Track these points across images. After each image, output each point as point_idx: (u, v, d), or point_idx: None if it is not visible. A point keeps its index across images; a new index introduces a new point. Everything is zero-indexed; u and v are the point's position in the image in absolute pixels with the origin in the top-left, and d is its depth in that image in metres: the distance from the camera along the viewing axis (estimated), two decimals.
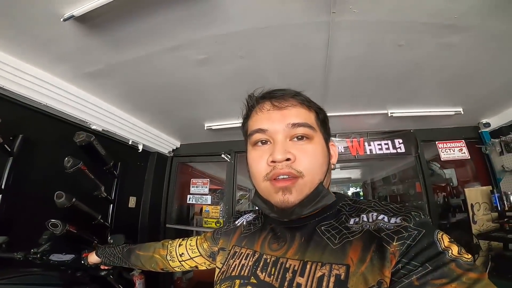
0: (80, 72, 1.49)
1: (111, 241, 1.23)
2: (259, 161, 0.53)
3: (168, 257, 0.87)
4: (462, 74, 1.55)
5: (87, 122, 1.78)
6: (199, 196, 2.79)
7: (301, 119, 0.53)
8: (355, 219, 0.49)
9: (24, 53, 1.29)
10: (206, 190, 2.79)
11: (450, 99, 1.93)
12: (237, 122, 2.24)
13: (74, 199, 1.48)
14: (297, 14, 1.09)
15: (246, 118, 0.61)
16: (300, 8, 1.05)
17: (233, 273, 0.55)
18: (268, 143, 0.54)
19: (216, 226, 2.64)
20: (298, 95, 0.57)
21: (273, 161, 0.50)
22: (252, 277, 0.51)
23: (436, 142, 2.35)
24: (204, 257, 0.81)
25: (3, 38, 1.18)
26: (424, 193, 2.28)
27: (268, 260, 0.52)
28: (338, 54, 1.35)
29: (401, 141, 2.44)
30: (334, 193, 0.56)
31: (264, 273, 0.50)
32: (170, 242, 0.92)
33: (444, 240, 0.40)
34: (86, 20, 1.06)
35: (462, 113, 2.01)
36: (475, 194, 2.20)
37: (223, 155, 2.70)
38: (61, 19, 1.01)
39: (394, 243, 0.40)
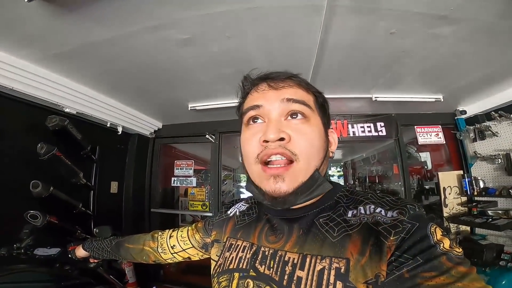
0: (49, 54, 1.35)
1: (97, 232, 1.19)
2: (251, 139, 0.51)
3: (160, 250, 0.86)
4: (446, 64, 1.58)
5: (59, 105, 1.64)
6: (184, 178, 2.76)
7: (298, 96, 0.51)
8: (353, 211, 0.49)
9: None
10: (191, 172, 2.76)
11: (432, 86, 1.98)
12: (222, 103, 2.18)
13: (51, 188, 1.42)
14: None
15: (242, 100, 0.59)
16: None
17: (231, 266, 0.54)
18: (262, 121, 0.52)
19: (203, 208, 2.66)
20: (295, 77, 0.55)
21: (265, 141, 0.48)
22: (251, 270, 0.50)
23: (415, 126, 2.44)
24: (196, 249, 0.80)
25: None
26: (401, 175, 2.41)
27: (267, 253, 0.51)
28: (330, 38, 1.31)
29: (382, 124, 2.51)
30: (330, 182, 0.54)
31: (263, 266, 0.49)
32: (160, 233, 0.89)
33: (437, 233, 0.40)
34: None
35: (442, 100, 2.08)
36: (447, 178, 2.29)
37: (207, 136, 2.64)
38: (25, 0, 0.89)
39: (391, 238, 0.41)
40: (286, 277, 0.45)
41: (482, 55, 1.47)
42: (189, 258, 0.84)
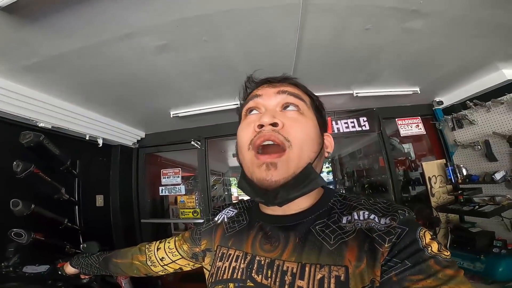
0: (17, 66, 1.29)
1: (84, 247, 1.14)
2: (246, 128, 0.52)
3: (149, 263, 0.82)
4: (421, 57, 1.63)
5: (32, 120, 1.57)
6: (172, 186, 2.70)
7: (294, 91, 0.54)
8: (347, 217, 0.49)
9: None
10: (179, 180, 2.70)
11: (409, 80, 2.05)
12: (205, 108, 2.17)
13: (33, 206, 1.36)
14: None
15: (244, 102, 0.61)
16: None
17: (225, 276, 0.52)
18: (258, 112, 0.54)
19: (194, 216, 2.61)
20: (294, 79, 0.59)
21: (260, 125, 0.48)
22: (248, 280, 0.49)
23: (396, 119, 2.51)
24: (186, 259, 0.77)
25: None
26: (387, 167, 2.47)
27: (263, 262, 0.49)
28: (307, 37, 1.33)
29: (365, 119, 2.56)
30: (322, 187, 0.54)
31: (260, 276, 0.48)
32: (147, 246, 0.86)
33: (426, 237, 0.41)
34: (16, 10, 0.91)
35: (419, 92, 2.16)
36: (431, 167, 2.35)
37: (192, 142, 2.61)
38: None
39: (386, 245, 0.41)
40: (286, 287, 0.44)
41: (455, 47, 1.53)
42: (181, 269, 0.81)
